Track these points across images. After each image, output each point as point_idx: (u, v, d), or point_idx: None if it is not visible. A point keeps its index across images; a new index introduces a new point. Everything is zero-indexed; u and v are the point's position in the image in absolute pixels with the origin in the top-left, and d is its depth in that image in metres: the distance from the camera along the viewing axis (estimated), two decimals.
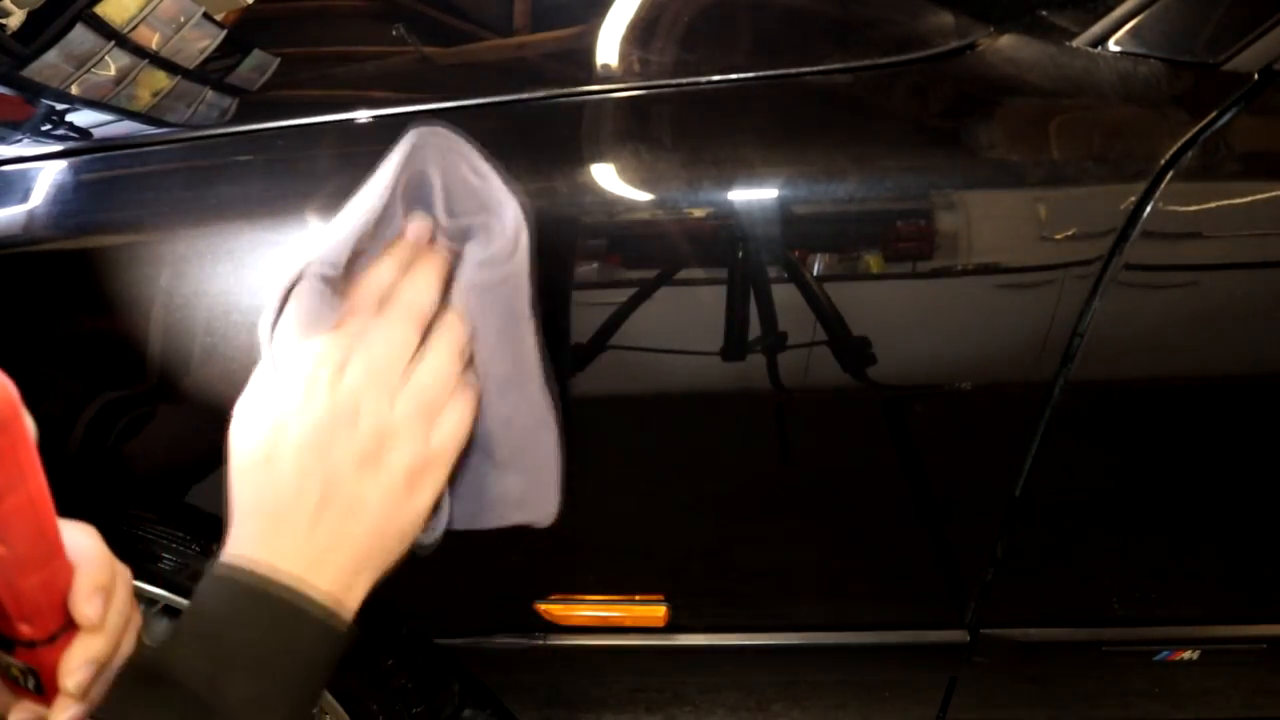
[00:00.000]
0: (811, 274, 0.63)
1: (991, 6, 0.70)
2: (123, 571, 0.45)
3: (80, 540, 0.43)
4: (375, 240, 0.52)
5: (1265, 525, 0.76)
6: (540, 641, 0.85)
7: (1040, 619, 0.84)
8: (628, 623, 0.83)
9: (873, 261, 0.63)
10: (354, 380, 0.47)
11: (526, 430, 0.56)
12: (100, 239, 0.66)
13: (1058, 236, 0.61)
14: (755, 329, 0.63)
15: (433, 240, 0.54)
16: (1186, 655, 0.85)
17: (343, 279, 0.50)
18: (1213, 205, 0.61)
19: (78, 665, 0.41)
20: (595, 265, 0.62)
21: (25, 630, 0.40)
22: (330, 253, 0.49)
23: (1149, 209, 0.60)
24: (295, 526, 0.45)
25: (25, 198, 0.67)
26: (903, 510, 0.75)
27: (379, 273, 0.51)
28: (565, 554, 0.80)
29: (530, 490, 0.57)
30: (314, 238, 0.54)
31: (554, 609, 0.81)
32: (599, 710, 1.03)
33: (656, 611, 0.81)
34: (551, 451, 0.57)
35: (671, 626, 0.82)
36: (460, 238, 0.53)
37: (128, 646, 0.44)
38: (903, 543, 0.78)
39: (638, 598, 0.81)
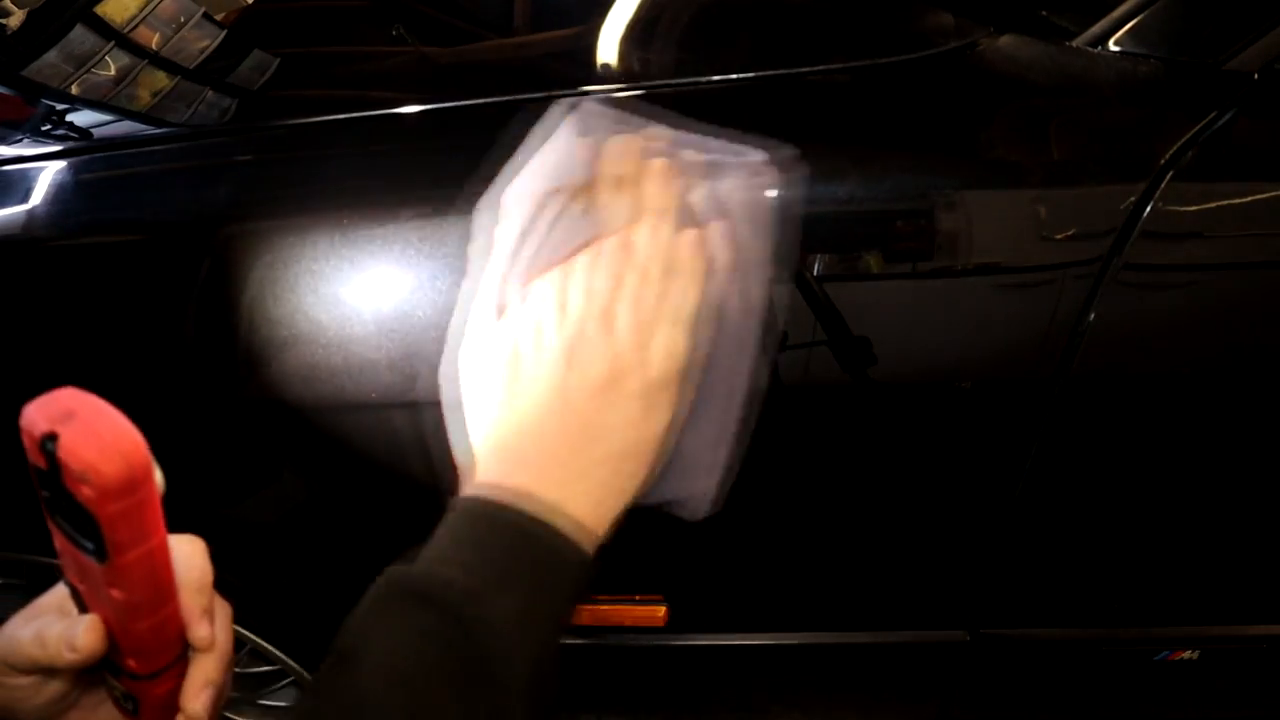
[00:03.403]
0: (811, 274, 0.63)
1: (991, 6, 0.70)
2: (222, 604, 0.46)
3: (185, 557, 0.44)
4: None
5: (1265, 525, 0.76)
6: None
7: (1040, 619, 0.84)
8: (628, 623, 0.82)
9: (873, 261, 0.63)
10: (577, 313, 0.47)
11: (719, 401, 0.51)
12: (98, 238, 0.66)
13: (1058, 236, 0.61)
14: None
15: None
16: (1186, 655, 0.85)
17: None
18: (1213, 205, 0.61)
19: (199, 689, 0.43)
20: None
21: (132, 664, 0.42)
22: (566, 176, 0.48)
23: (1149, 209, 0.60)
24: (539, 462, 0.45)
25: (25, 197, 0.67)
26: (903, 510, 0.75)
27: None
28: None
29: (697, 474, 0.52)
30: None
31: None
32: (599, 710, 1.03)
33: (656, 611, 0.81)
34: (730, 436, 0.52)
35: (671, 626, 0.82)
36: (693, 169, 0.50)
37: (230, 673, 0.46)
38: (902, 542, 0.78)
39: (638, 598, 0.81)
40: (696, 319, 0.48)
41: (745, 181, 0.49)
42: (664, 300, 0.47)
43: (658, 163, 0.49)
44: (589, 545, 0.45)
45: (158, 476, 0.37)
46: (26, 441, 0.36)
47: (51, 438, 0.34)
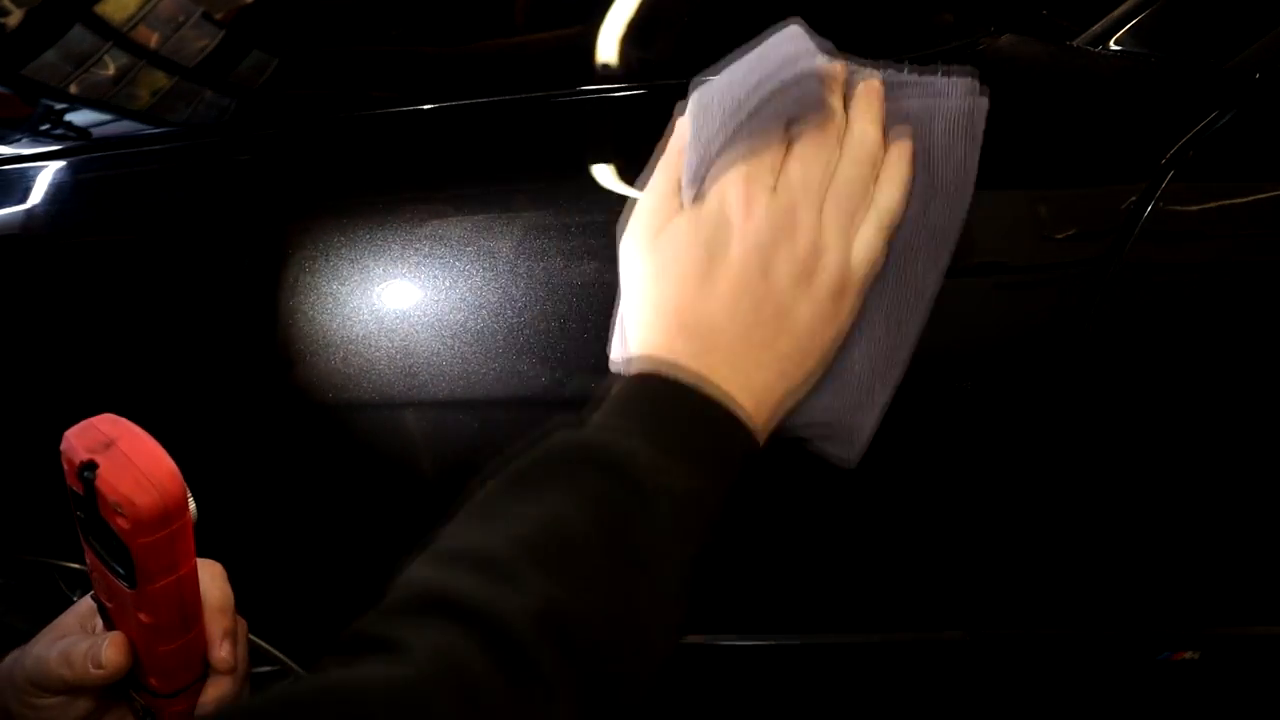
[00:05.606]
0: None
1: (991, 6, 0.70)
2: (240, 625, 0.47)
3: (207, 580, 0.45)
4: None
5: (1266, 525, 0.76)
6: None
7: (1040, 619, 0.84)
8: None
9: None
10: (789, 193, 0.45)
11: (892, 325, 0.49)
12: (97, 238, 0.66)
13: (1058, 236, 0.61)
14: None
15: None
16: (1186, 655, 0.85)
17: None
18: (1213, 205, 0.61)
19: (209, 710, 0.45)
20: (596, 265, 0.62)
21: (154, 682, 0.43)
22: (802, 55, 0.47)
23: (1149, 209, 0.60)
24: (727, 344, 0.44)
25: (24, 197, 0.67)
26: (902, 509, 0.75)
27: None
28: None
29: (858, 399, 0.50)
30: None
31: None
32: None
33: None
34: (894, 368, 0.50)
35: None
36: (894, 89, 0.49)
37: (246, 689, 0.47)
38: (902, 542, 0.78)
39: None
40: (894, 228, 0.47)
41: (942, 104, 0.48)
42: (874, 201, 0.46)
43: (868, 80, 0.49)
44: (759, 433, 0.43)
45: (191, 507, 0.37)
46: (65, 466, 0.36)
47: (90, 466, 0.35)
